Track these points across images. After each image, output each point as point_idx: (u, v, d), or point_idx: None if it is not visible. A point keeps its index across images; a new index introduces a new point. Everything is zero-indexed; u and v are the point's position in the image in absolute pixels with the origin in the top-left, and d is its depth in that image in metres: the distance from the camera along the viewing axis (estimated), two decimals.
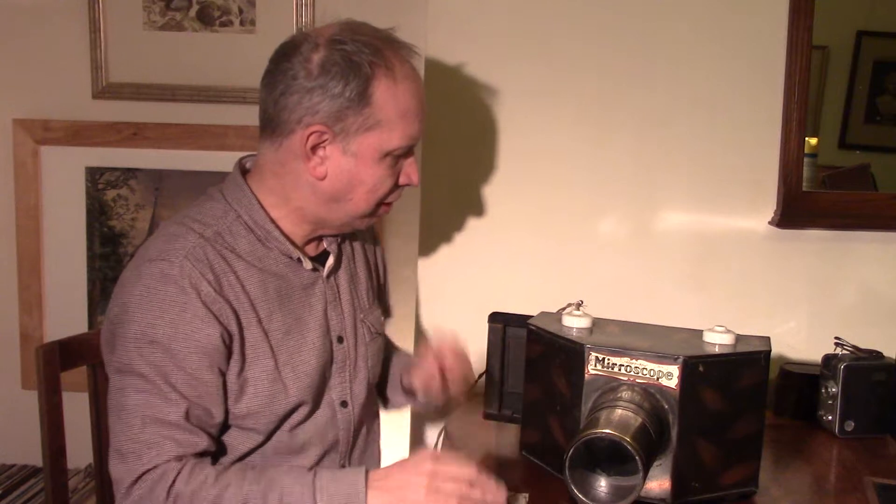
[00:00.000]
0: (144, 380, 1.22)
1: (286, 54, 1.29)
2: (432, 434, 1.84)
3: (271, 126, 1.30)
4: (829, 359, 1.69)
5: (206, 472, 1.21)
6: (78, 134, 2.07)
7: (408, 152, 1.33)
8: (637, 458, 1.17)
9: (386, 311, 1.61)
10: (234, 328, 1.26)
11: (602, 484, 1.23)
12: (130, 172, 2.09)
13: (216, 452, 1.30)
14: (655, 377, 1.28)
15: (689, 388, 1.27)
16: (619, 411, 1.23)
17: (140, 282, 1.24)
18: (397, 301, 2.12)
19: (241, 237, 1.31)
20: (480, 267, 1.88)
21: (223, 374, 1.26)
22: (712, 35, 1.81)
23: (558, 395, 1.37)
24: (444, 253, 1.90)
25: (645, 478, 1.19)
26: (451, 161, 1.87)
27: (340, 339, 1.40)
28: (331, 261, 1.40)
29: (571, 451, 1.20)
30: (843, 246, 1.85)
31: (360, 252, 1.50)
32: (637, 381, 1.29)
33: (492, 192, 1.87)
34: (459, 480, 1.18)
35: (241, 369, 1.28)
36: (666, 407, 1.27)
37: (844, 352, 1.69)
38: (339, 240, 1.43)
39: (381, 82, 1.26)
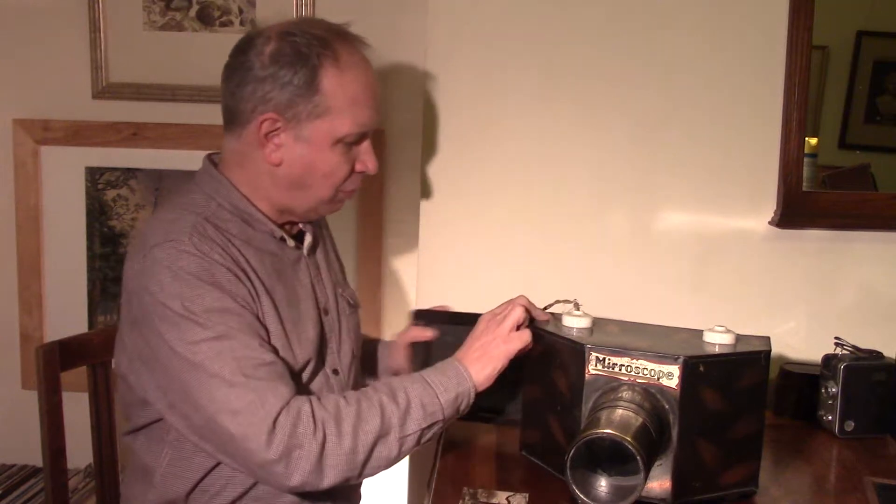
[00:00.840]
0: (221, 340, 1.24)
1: (242, 48, 1.36)
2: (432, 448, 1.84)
3: (231, 118, 1.38)
4: (829, 359, 1.69)
5: (331, 397, 1.28)
6: (78, 134, 2.07)
7: (361, 139, 1.39)
8: (638, 457, 1.16)
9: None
10: (253, 294, 1.32)
11: (603, 484, 1.23)
12: (130, 172, 2.09)
13: None
14: (656, 377, 1.28)
15: (690, 388, 1.27)
16: (619, 411, 1.23)
17: (159, 266, 1.26)
18: (397, 303, 2.13)
19: (229, 221, 1.37)
20: (480, 267, 1.88)
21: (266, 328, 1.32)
22: (712, 35, 1.81)
23: (558, 395, 1.37)
24: (444, 253, 1.90)
25: (646, 478, 1.19)
26: (451, 161, 1.87)
27: (326, 311, 1.48)
28: (309, 238, 1.47)
29: (573, 451, 1.20)
30: (843, 246, 1.85)
31: (327, 235, 1.60)
32: (637, 381, 1.29)
33: (491, 193, 1.87)
34: (509, 315, 1.38)
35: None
36: (666, 407, 1.27)
37: (844, 352, 1.69)
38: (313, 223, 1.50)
39: (328, 71, 1.33)
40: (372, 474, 1.30)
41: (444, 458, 1.50)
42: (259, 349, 1.26)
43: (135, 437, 1.41)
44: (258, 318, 1.31)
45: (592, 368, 1.31)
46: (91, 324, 2.13)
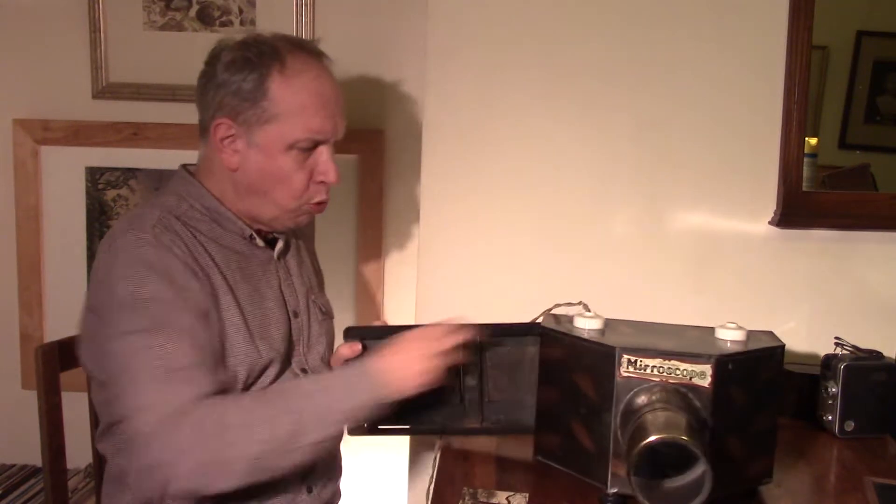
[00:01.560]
0: (151, 333, 1.27)
1: (209, 58, 1.43)
2: (432, 441, 1.84)
3: (200, 125, 1.44)
4: (829, 359, 1.69)
5: (242, 400, 1.31)
6: (78, 134, 2.07)
7: (315, 146, 1.41)
8: (702, 458, 1.16)
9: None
10: (209, 290, 1.35)
11: (663, 487, 1.22)
12: (130, 172, 2.09)
13: None
14: (688, 377, 1.28)
15: (722, 386, 1.28)
16: (664, 413, 1.23)
17: (117, 253, 1.32)
18: (397, 304, 2.13)
19: (199, 220, 1.41)
20: (480, 267, 1.88)
21: (213, 321, 1.34)
22: (712, 35, 1.81)
23: (582, 399, 1.35)
24: (444, 253, 1.90)
25: (713, 476, 1.17)
26: (451, 161, 1.87)
27: (296, 314, 1.50)
28: (280, 244, 1.51)
29: (636, 458, 1.18)
30: (843, 246, 1.85)
31: (303, 246, 1.62)
32: (670, 381, 1.29)
33: (491, 193, 1.87)
34: (444, 351, 1.36)
35: (221, 331, 1.35)
36: (698, 405, 1.27)
37: (844, 352, 1.69)
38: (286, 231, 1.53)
39: (275, 77, 1.37)
40: (266, 479, 1.31)
41: (444, 458, 1.50)
42: (184, 349, 1.27)
43: (107, 438, 1.43)
44: (207, 315, 1.32)
45: (624, 371, 1.30)
46: None
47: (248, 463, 1.25)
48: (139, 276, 1.29)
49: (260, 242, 1.47)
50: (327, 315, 1.61)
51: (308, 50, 1.43)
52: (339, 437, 1.41)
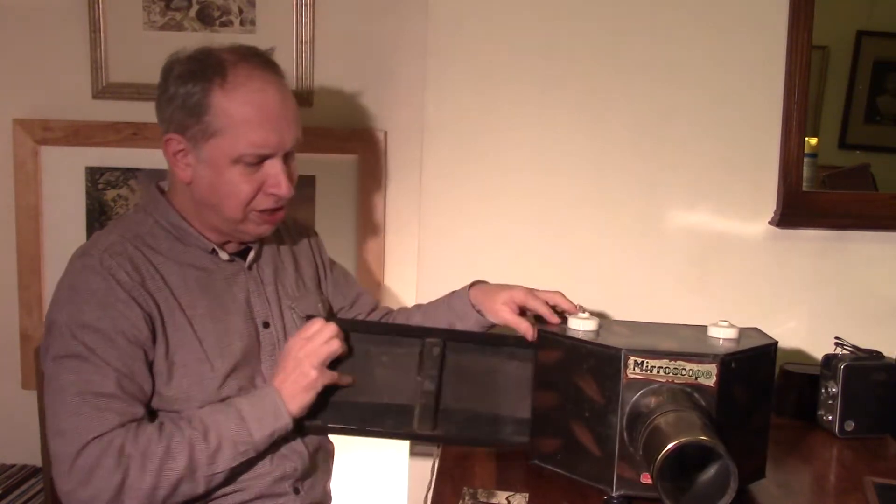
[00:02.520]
0: (79, 359, 1.30)
1: (163, 72, 1.42)
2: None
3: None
4: (829, 359, 1.68)
5: (148, 430, 1.30)
6: (78, 134, 2.06)
7: (263, 160, 1.38)
8: (726, 456, 1.16)
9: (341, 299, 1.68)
10: (154, 313, 1.35)
11: (687, 489, 1.21)
12: (130, 172, 2.09)
13: None
14: (694, 377, 1.29)
15: (726, 385, 1.29)
16: (675, 414, 1.23)
17: (67, 277, 1.36)
18: (397, 304, 2.12)
19: (161, 238, 1.43)
20: (480, 267, 1.88)
21: (147, 354, 1.34)
22: (712, 35, 1.81)
23: (586, 401, 1.35)
24: (444, 253, 1.90)
25: (737, 473, 1.17)
26: (451, 162, 1.87)
27: (266, 325, 1.48)
28: (251, 254, 1.50)
29: (660, 463, 1.17)
30: (843, 246, 1.85)
31: (288, 249, 1.60)
32: (675, 381, 1.29)
33: (491, 192, 1.87)
34: (313, 339, 1.39)
35: (168, 352, 1.36)
36: (704, 404, 1.28)
37: (844, 352, 1.69)
38: (264, 241, 1.52)
39: (216, 92, 1.35)
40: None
41: (444, 458, 1.50)
42: (108, 377, 1.29)
43: None
44: (141, 344, 1.33)
45: (630, 372, 1.30)
46: None
47: (168, 490, 1.29)
48: (78, 302, 1.32)
49: (224, 255, 1.46)
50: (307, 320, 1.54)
51: (255, 61, 1.39)
52: (250, 463, 1.39)
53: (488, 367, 1.49)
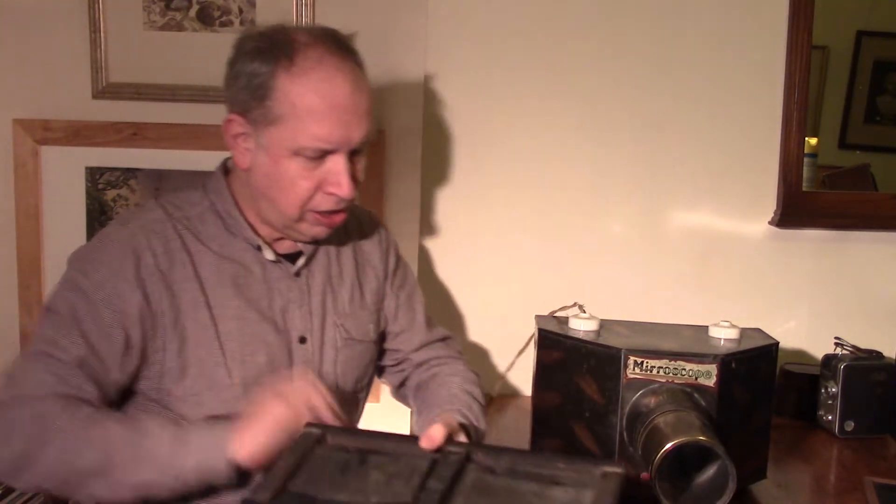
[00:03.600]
0: (59, 317, 1.24)
1: (234, 47, 1.31)
2: None
3: None
4: (829, 359, 1.69)
5: (83, 412, 1.19)
6: (78, 134, 2.06)
7: (324, 155, 1.26)
8: (724, 457, 1.16)
9: (405, 321, 1.52)
10: (165, 305, 1.26)
11: (685, 489, 1.21)
12: (130, 172, 2.09)
13: None
14: (694, 377, 1.29)
15: (726, 385, 1.29)
16: (674, 414, 1.23)
17: (94, 239, 1.32)
18: None
19: (210, 223, 1.33)
20: (480, 267, 1.88)
21: (129, 342, 1.25)
22: (712, 35, 1.81)
23: (586, 401, 1.35)
24: (444, 253, 1.90)
25: (735, 474, 1.16)
26: (451, 161, 1.87)
27: (303, 340, 1.35)
28: (301, 260, 1.37)
29: (659, 464, 1.17)
30: (843, 246, 1.85)
31: (350, 254, 1.45)
32: (675, 381, 1.29)
33: (491, 193, 1.87)
34: (311, 409, 1.19)
35: (182, 348, 1.27)
36: (704, 405, 1.28)
37: (844, 352, 1.69)
38: (322, 242, 1.39)
39: (281, 75, 1.23)
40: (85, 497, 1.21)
41: None
42: (75, 347, 1.22)
43: None
44: (126, 329, 1.24)
45: (630, 372, 1.30)
46: None
47: (61, 474, 1.17)
48: (90, 268, 1.26)
49: (269, 255, 1.34)
50: (353, 341, 1.41)
51: (330, 45, 1.27)
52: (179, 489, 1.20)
53: (521, 490, 1.07)
